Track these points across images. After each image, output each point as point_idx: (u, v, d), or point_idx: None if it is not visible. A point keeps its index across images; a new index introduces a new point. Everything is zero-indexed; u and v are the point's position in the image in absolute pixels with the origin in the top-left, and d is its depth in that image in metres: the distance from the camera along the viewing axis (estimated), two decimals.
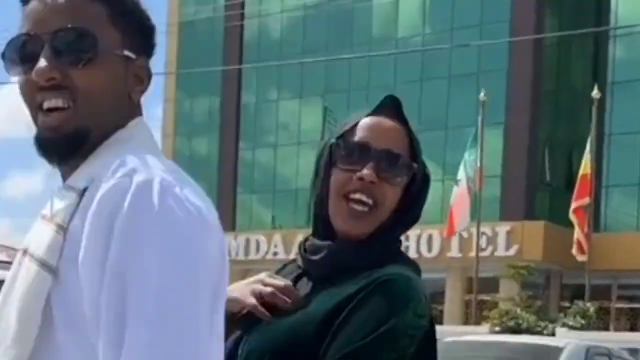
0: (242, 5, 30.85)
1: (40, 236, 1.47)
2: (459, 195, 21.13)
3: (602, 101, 19.67)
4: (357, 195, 1.99)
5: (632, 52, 25.66)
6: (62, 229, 1.44)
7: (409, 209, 2.07)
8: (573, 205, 19.43)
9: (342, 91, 29.03)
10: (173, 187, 1.40)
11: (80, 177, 1.48)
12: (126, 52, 1.53)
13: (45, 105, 1.48)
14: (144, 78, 1.56)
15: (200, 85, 31.64)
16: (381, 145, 2.00)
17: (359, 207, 1.99)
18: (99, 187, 1.41)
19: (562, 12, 27.20)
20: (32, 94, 1.50)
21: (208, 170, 31.69)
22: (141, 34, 1.57)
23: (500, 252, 24.70)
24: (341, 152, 2.03)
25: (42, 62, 1.48)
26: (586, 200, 19.29)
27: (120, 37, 1.53)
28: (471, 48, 24.50)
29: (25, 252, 1.49)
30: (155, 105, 36.56)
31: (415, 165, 2.02)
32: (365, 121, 2.04)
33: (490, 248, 24.45)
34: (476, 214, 21.21)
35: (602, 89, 22.07)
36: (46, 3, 1.52)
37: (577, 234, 19.33)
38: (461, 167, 21.21)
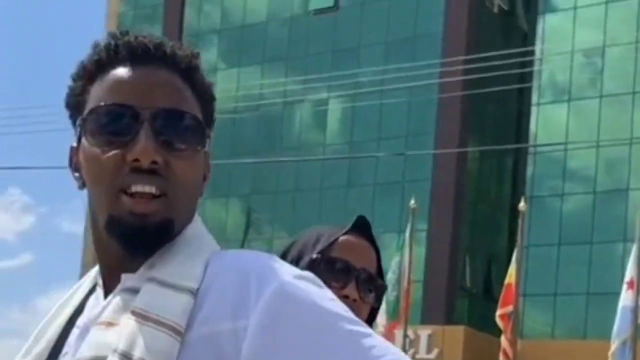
0: None
1: (140, 340, 1.29)
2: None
3: (524, 214, 20.55)
4: None
5: (547, 169, 26.85)
6: (179, 333, 1.30)
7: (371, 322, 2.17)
8: (499, 311, 20.02)
9: (268, 193, 29.54)
10: (314, 283, 1.34)
11: (171, 273, 1.34)
12: (208, 146, 1.43)
13: (135, 189, 1.34)
14: (207, 173, 1.46)
15: None
16: (360, 264, 2.11)
17: None
18: (224, 290, 1.31)
19: (484, 129, 28.37)
20: (116, 173, 1.34)
21: None
22: (210, 125, 1.46)
23: (422, 354, 25.15)
24: (322, 268, 2.08)
25: (146, 141, 1.33)
26: (510, 308, 19.93)
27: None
28: (397, 157, 25.35)
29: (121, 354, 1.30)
30: None
31: (385, 284, 2.17)
32: (346, 240, 2.14)
33: (411, 351, 24.92)
34: (392, 317, 21.64)
35: (518, 203, 23.04)
36: (147, 75, 1.39)
37: (503, 341, 19.82)
38: (389, 272, 21.80)
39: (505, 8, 29.86)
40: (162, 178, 1.33)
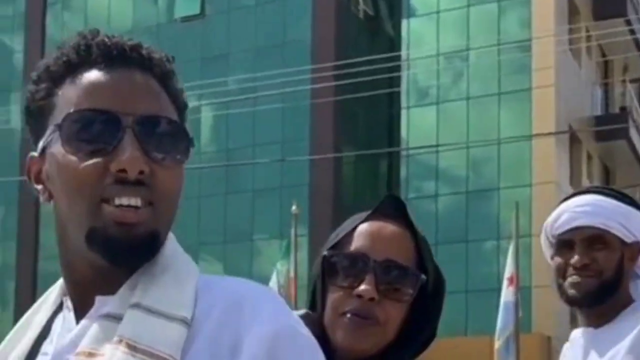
0: None
1: None
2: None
3: None
4: (353, 317, 1.75)
5: (420, 171, 27.46)
6: None
7: (421, 326, 1.81)
8: None
9: None
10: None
11: (159, 299, 1.26)
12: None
13: (119, 202, 1.25)
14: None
15: None
16: (382, 255, 1.77)
17: (361, 319, 1.76)
18: (219, 325, 1.23)
19: (357, 133, 28.77)
20: (97, 183, 1.25)
21: (3, 282, 30.99)
22: None
23: None
24: (335, 265, 1.79)
25: (134, 151, 1.25)
26: None
27: None
28: (275, 163, 25.52)
29: None
30: None
31: (423, 277, 1.79)
32: (363, 227, 1.82)
33: None
34: None
35: None
36: (125, 79, 1.30)
37: None
38: (273, 277, 21.92)
39: (371, 13, 30.36)
40: (148, 188, 1.26)
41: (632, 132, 29.50)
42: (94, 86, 1.28)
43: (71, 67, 1.31)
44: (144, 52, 1.32)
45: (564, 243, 2.68)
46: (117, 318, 1.24)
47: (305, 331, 1.26)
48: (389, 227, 1.79)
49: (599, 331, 2.68)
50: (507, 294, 18.55)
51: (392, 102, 28.58)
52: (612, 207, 2.66)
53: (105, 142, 1.26)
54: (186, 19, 30.55)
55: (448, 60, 28.07)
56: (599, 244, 2.64)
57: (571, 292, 2.65)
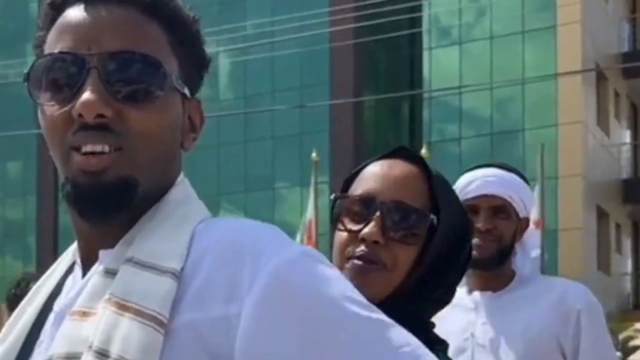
0: None
1: (118, 334, 1.12)
2: None
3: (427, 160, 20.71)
4: (358, 260, 1.68)
5: (443, 114, 27.13)
6: (162, 324, 1.12)
7: (437, 276, 1.71)
8: None
9: None
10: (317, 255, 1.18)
11: (151, 251, 1.17)
12: (186, 90, 1.25)
13: (85, 149, 1.17)
14: (197, 123, 1.30)
15: (14, 149, 31.01)
16: (389, 196, 1.69)
17: (365, 264, 1.67)
18: (213, 270, 1.14)
19: (378, 76, 28.43)
20: (65, 131, 1.19)
21: (25, 238, 31.03)
22: (197, 67, 1.29)
23: None
24: (341, 209, 1.73)
25: (90, 93, 1.16)
26: None
27: (178, 71, 1.25)
28: (293, 110, 25.25)
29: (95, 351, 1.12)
30: None
31: (433, 217, 1.69)
32: (371, 168, 1.76)
33: None
34: None
35: (419, 149, 23.24)
36: (96, 16, 1.21)
37: None
38: (300, 227, 21.76)
39: None
40: (114, 133, 1.17)
41: None
42: (64, 27, 1.22)
43: (55, 8, 1.25)
44: None
45: (470, 207, 2.83)
46: (113, 273, 1.18)
47: (318, 257, 1.15)
48: (398, 167, 1.71)
49: (499, 294, 2.95)
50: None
51: (414, 43, 28.21)
52: (516, 183, 2.94)
53: (70, 86, 1.19)
54: None
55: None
56: (502, 213, 2.88)
57: (474, 253, 2.53)
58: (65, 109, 1.19)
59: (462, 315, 2.90)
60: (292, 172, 26.86)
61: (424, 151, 21.78)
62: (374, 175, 1.72)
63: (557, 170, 24.41)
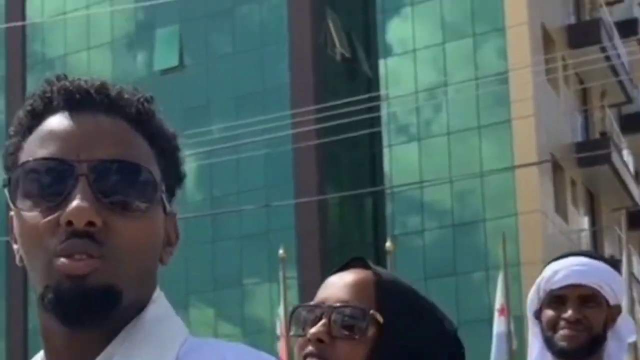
0: None
1: None
2: (282, 350, 21.57)
3: (391, 253, 21.02)
4: (309, 359, 1.77)
5: (405, 208, 27.54)
6: None
7: None
8: None
9: None
10: None
11: None
12: (167, 204, 1.22)
13: (73, 255, 1.13)
14: (173, 238, 1.26)
15: None
16: (336, 299, 1.81)
17: None
18: None
19: (341, 174, 28.86)
20: (49, 239, 1.13)
21: None
22: (175, 182, 1.27)
23: None
24: (300, 317, 1.86)
25: (81, 200, 1.12)
26: None
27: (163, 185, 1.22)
28: (260, 209, 25.55)
29: None
30: None
31: (374, 313, 1.79)
32: (328, 279, 1.88)
33: None
34: None
35: (383, 242, 23.53)
36: (84, 124, 1.18)
37: None
38: (277, 323, 21.74)
39: (348, 55, 30.57)
40: (99, 244, 1.13)
41: (614, 157, 29.66)
42: (49, 134, 1.18)
43: (36, 117, 1.21)
44: (112, 93, 1.21)
45: (557, 298, 2.82)
46: None
47: None
48: (349, 275, 1.83)
49: None
50: (499, 324, 18.49)
51: (374, 141, 28.71)
52: (604, 270, 2.84)
53: (58, 194, 1.14)
54: (165, 72, 30.75)
55: (427, 97, 28.21)
56: (591, 302, 2.80)
57: (562, 344, 2.78)
58: (51, 217, 1.13)
59: None
60: (260, 269, 27.05)
61: (388, 244, 22.10)
62: (327, 284, 1.85)
63: (519, 258, 24.75)
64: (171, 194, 1.25)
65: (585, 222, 30.82)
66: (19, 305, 30.80)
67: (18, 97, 32.06)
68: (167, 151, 1.23)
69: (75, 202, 1.12)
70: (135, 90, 1.24)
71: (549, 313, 2.82)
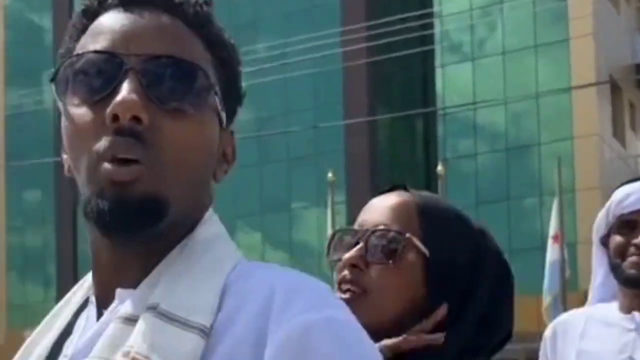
0: None
1: None
2: None
3: (442, 177, 20.74)
4: (343, 285, 1.71)
5: (458, 130, 27.18)
6: None
7: (440, 292, 1.70)
8: None
9: None
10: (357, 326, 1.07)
11: (178, 302, 1.07)
12: (223, 115, 1.16)
13: (114, 155, 1.06)
14: (230, 155, 1.21)
15: (32, 178, 31.20)
16: (373, 222, 1.74)
17: (344, 295, 1.70)
18: (245, 327, 1.04)
19: (391, 94, 28.52)
20: (94, 137, 1.07)
21: (45, 265, 31.12)
22: (233, 98, 1.20)
23: None
24: (338, 241, 1.80)
25: (129, 93, 1.06)
26: None
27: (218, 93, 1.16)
28: (308, 130, 25.32)
29: None
30: None
31: (409, 237, 1.70)
32: (369, 202, 1.81)
33: None
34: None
35: (434, 165, 23.23)
36: (138, 19, 1.12)
37: None
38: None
39: None
40: (147, 145, 1.06)
41: None
42: (100, 29, 1.12)
43: (90, 17, 1.15)
44: None
45: (627, 223, 2.70)
46: (133, 320, 1.06)
47: (347, 317, 1.04)
48: (389, 198, 1.74)
49: None
50: (552, 252, 18.34)
51: (426, 61, 28.33)
52: None
53: (104, 88, 1.08)
54: None
55: (481, 14, 27.64)
56: None
57: (631, 272, 2.66)
58: (97, 112, 1.08)
59: (619, 335, 2.74)
60: (308, 193, 26.94)
61: (439, 168, 21.77)
62: (367, 207, 1.77)
63: (574, 183, 24.37)
64: (230, 110, 1.18)
65: None
66: (68, 228, 31.11)
67: (65, 16, 31.88)
68: (226, 61, 1.17)
69: (121, 94, 1.06)
70: None
71: (617, 239, 2.70)
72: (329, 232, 21.73)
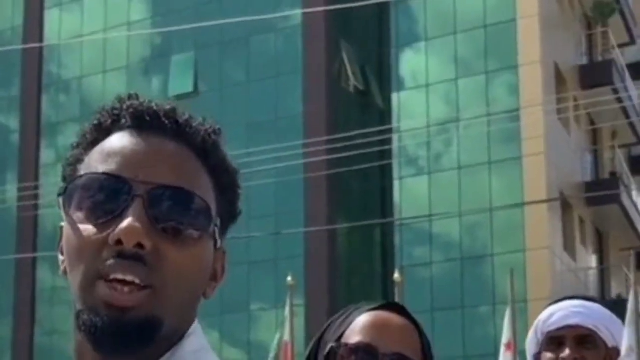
0: (36, 197, 31.02)
1: None
2: None
3: (400, 284, 21.10)
4: None
5: (414, 240, 27.66)
6: None
7: None
8: None
9: None
10: None
11: None
12: (219, 239, 1.21)
13: (114, 276, 1.10)
14: (219, 273, 1.24)
15: None
16: (390, 348, 1.69)
17: None
18: None
19: (351, 204, 29.00)
20: (96, 256, 1.10)
21: (1, 356, 30.78)
22: (229, 218, 1.26)
23: None
24: (341, 357, 1.72)
25: (133, 220, 1.10)
26: None
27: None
28: (270, 235, 25.68)
29: None
30: None
31: None
32: (369, 318, 1.74)
33: None
34: None
35: (392, 273, 23.63)
36: (148, 145, 1.16)
37: None
38: (273, 346, 21.88)
39: (361, 88, 30.78)
40: (149, 268, 1.11)
41: (624, 197, 29.79)
42: (112, 150, 1.16)
43: (102, 132, 1.20)
44: (181, 119, 1.20)
45: (554, 340, 2.78)
46: None
47: None
48: (396, 319, 1.71)
49: None
50: (505, 359, 18.52)
51: (385, 173, 28.85)
52: (601, 312, 2.81)
53: (111, 211, 1.12)
54: (180, 97, 30.94)
55: (438, 131, 28.37)
56: (588, 343, 2.75)
57: None
58: (102, 233, 1.11)
59: None
60: (267, 295, 27.15)
61: (396, 275, 22.17)
62: (372, 325, 1.70)
63: (526, 294, 24.80)
64: (224, 229, 1.24)
65: (593, 260, 30.92)
66: (26, 321, 30.90)
67: (32, 118, 32.36)
68: (226, 185, 1.22)
69: (127, 221, 1.10)
70: (204, 120, 1.23)
71: (547, 356, 2.77)
72: (286, 333, 21.92)
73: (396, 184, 28.38)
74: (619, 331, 2.83)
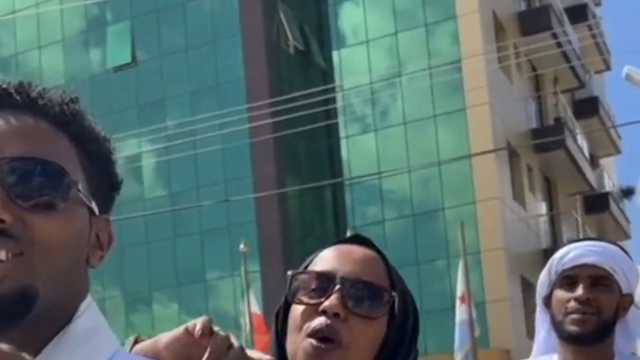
0: None
1: None
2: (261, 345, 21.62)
3: None
4: (319, 333, 1.61)
5: (365, 198, 27.73)
6: None
7: (395, 352, 1.66)
8: None
9: None
10: None
11: None
12: (94, 205, 1.20)
13: None
14: (105, 240, 1.23)
15: None
16: (350, 273, 1.65)
17: (322, 344, 1.61)
18: None
19: (299, 166, 28.98)
20: None
21: None
22: (107, 186, 1.25)
23: None
24: (299, 284, 1.67)
25: None
26: None
27: (87, 184, 1.20)
28: (219, 203, 25.60)
29: None
30: None
31: (394, 294, 1.66)
32: (327, 252, 1.71)
33: None
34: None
35: (344, 233, 23.69)
36: (2, 123, 1.17)
37: None
38: (241, 318, 21.73)
39: (301, 47, 30.64)
40: (14, 239, 1.11)
41: (569, 142, 30.07)
42: None
43: None
44: (33, 92, 1.20)
45: (568, 278, 2.69)
46: None
47: None
48: (358, 250, 1.68)
49: None
50: (460, 312, 18.63)
51: (331, 133, 28.88)
52: (620, 256, 2.70)
53: None
54: (119, 68, 30.60)
55: (382, 87, 28.36)
56: (602, 285, 2.65)
57: (573, 328, 2.65)
58: None
59: None
60: (222, 264, 27.12)
61: (349, 235, 22.26)
62: (332, 256, 1.68)
63: (479, 245, 25.03)
64: (108, 197, 1.24)
65: (542, 207, 31.21)
66: None
67: None
68: (94, 153, 1.22)
69: None
70: (65, 90, 1.23)
71: (559, 294, 2.69)
72: (246, 302, 21.91)
73: (343, 142, 28.41)
74: (636, 279, 2.73)
